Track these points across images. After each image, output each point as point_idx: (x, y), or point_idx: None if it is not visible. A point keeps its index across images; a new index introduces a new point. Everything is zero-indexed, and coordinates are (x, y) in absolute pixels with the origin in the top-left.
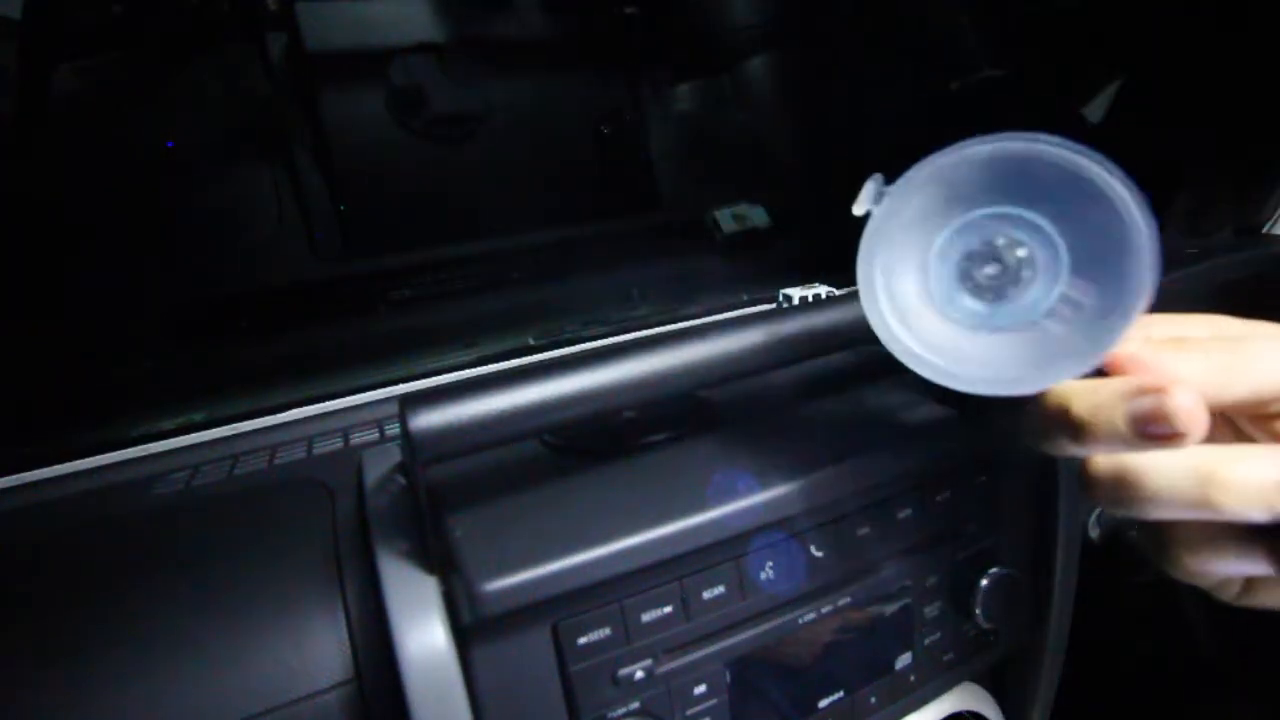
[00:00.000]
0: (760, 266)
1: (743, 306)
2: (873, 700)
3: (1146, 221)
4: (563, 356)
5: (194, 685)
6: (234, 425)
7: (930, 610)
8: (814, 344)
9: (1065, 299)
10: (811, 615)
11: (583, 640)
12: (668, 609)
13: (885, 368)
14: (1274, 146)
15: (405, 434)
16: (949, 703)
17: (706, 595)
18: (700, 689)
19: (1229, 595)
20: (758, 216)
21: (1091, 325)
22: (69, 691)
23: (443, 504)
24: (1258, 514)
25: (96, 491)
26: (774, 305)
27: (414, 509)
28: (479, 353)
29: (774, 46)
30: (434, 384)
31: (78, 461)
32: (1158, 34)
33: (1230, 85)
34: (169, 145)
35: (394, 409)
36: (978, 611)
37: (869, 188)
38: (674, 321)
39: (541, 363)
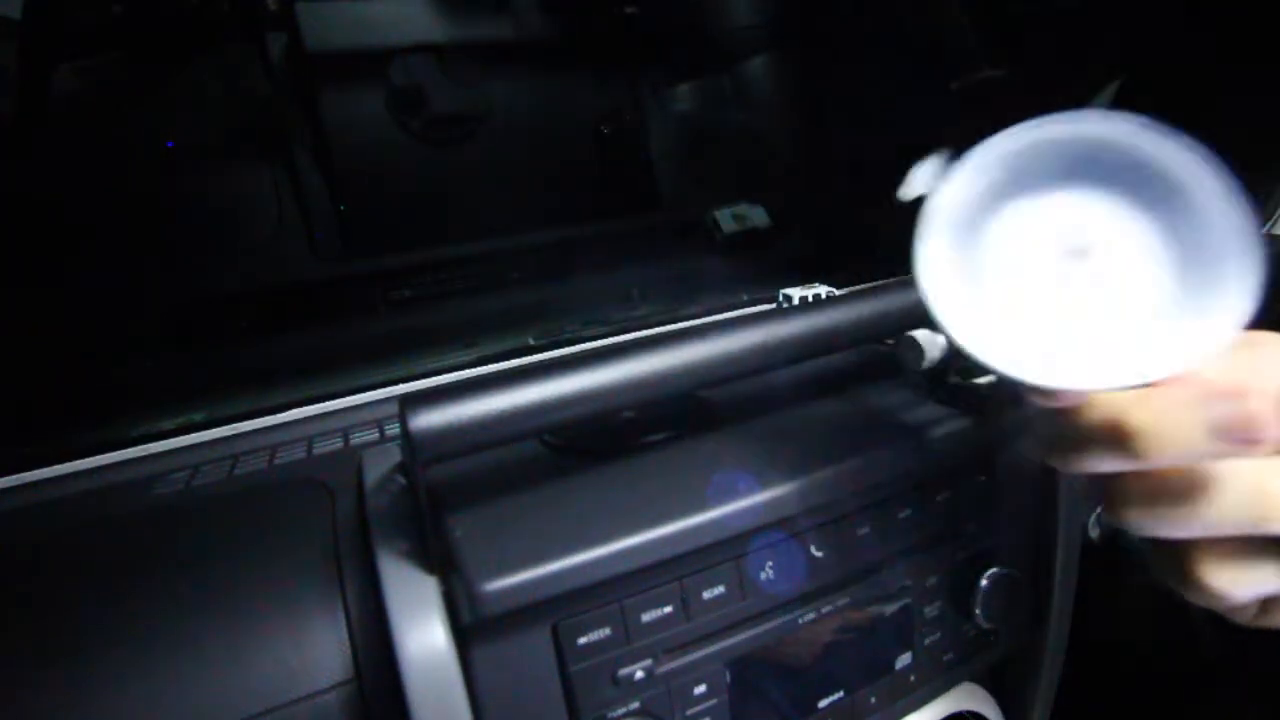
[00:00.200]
0: (760, 266)
1: (743, 306)
2: (873, 700)
3: (1251, 221)
4: (563, 356)
5: (194, 685)
6: (234, 425)
7: (930, 610)
8: (814, 344)
9: (1149, 296)
10: (811, 615)
11: (583, 640)
12: (668, 609)
13: (885, 368)
14: (1274, 146)
15: (405, 434)
16: (949, 703)
17: (706, 595)
18: (700, 689)
19: (1245, 617)
20: (758, 216)
21: (1177, 326)
22: (69, 691)
23: (443, 504)
24: None
25: (96, 491)
26: (774, 305)
27: (414, 509)
28: (479, 353)
29: (774, 46)
30: (434, 384)
31: (78, 461)
32: (1158, 34)
33: (1230, 85)
34: (169, 145)
35: (394, 409)
36: (978, 611)
37: (928, 167)
38: (674, 321)
39: (541, 363)
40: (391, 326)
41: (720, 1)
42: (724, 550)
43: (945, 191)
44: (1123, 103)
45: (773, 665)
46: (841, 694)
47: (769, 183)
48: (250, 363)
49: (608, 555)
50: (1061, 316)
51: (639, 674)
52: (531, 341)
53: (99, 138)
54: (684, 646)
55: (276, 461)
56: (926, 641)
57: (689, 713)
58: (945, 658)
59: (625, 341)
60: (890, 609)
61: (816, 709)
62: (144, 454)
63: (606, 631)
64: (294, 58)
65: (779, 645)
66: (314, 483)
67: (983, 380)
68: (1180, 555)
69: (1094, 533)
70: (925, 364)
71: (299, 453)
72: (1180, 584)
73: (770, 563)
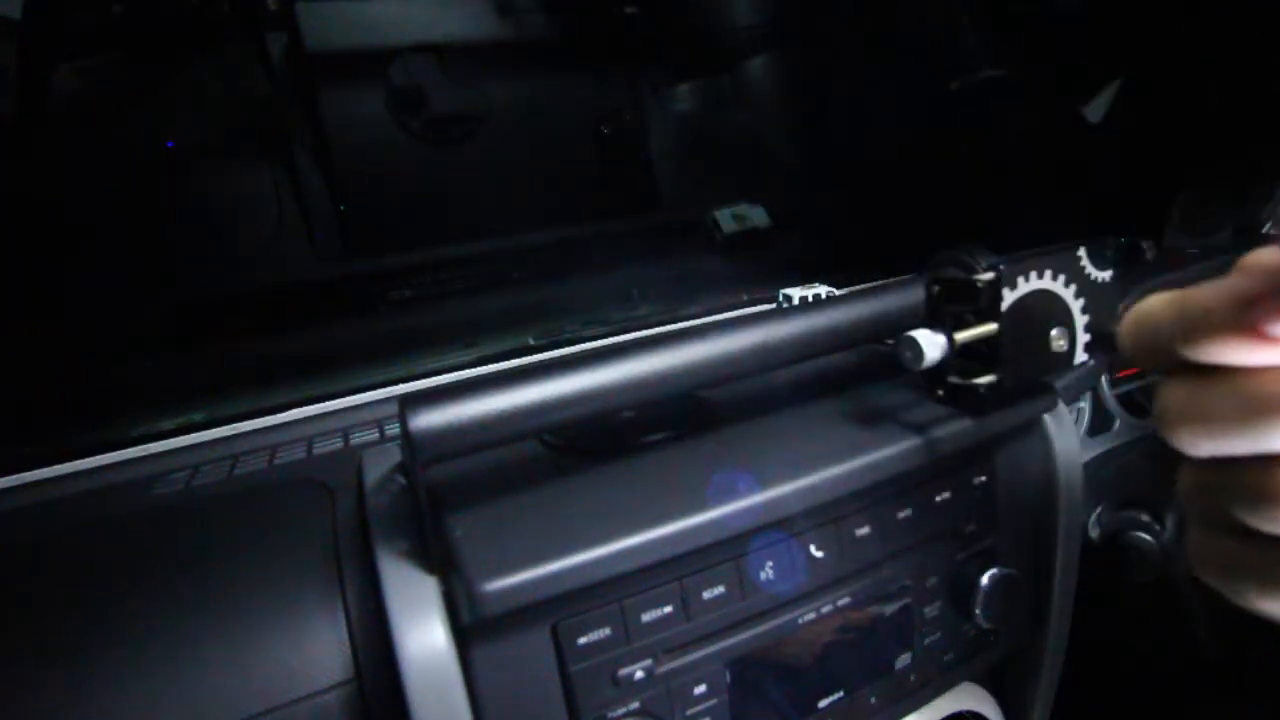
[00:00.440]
0: (760, 266)
1: (743, 306)
2: (872, 700)
3: None
4: (563, 356)
5: (194, 685)
6: (234, 425)
7: (930, 610)
8: (814, 344)
9: None
10: (811, 615)
11: (583, 640)
12: (668, 609)
13: (885, 368)
14: (1274, 146)
15: (405, 434)
16: (949, 703)
17: (706, 595)
18: (700, 689)
19: None
20: (758, 216)
21: None
22: (69, 691)
23: (443, 504)
24: None
25: (96, 491)
26: (774, 305)
27: (414, 509)
28: (479, 353)
29: (774, 46)
30: (434, 384)
31: (78, 461)
32: (1158, 34)
33: (1230, 85)
34: (169, 145)
35: (394, 409)
36: (978, 611)
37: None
38: (674, 321)
39: (541, 363)
40: (391, 326)
41: (720, 1)
42: (724, 550)
43: None
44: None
45: (773, 665)
46: (841, 694)
47: (769, 183)
48: (250, 363)
49: (608, 555)
50: None
51: (639, 674)
52: (531, 341)
53: (99, 138)
54: (684, 646)
55: (276, 461)
56: (926, 641)
57: (689, 713)
58: (945, 658)
59: (625, 341)
60: (890, 609)
61: (816, 709)
62: (144, 454)
63: (606, 631)
64: (294, 58)
65: (779, 645)
66: (314, 483)
67: (983, 380)
68: (1258, 557)
69: (1094, 533)
70: (925, 364)
71: (299, 453)
72: (1243, 589)
73: (770, 563)
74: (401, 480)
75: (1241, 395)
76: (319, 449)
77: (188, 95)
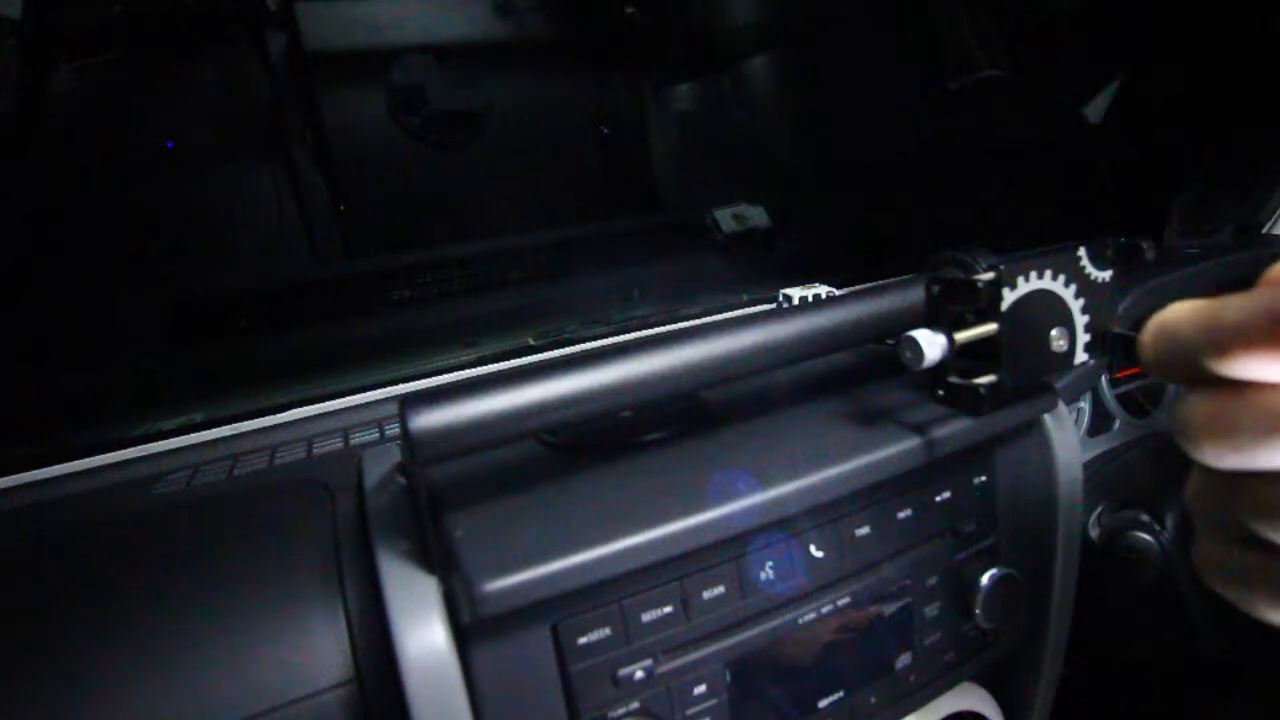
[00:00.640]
0: (760, 266)
1: (743, 306)
2: (872, 700)
3: None
4: (563, 356)
5: (194, 685)
6: (234, 425)
7: (930, 610)
8: (814, 344)
9: None
10: (811, 615)
11: (583, 640)
12: (668, 609)
13: (885, 367)
14: (1274, 146)
15: (405, 434)
16: (949, 703)
17: (706, 595)
18: (700, 689)
19: None
20: (758, 216)
21: None
22: (69, 691)
23: (443, 504)
24: None
25: (96, 491)
26: (774, 305)
27: (414, 509)
28: (479, 353)
29: (774, 46)
30: (434, 384)
31: (78, 461)
32: (1158, 34)
33: (1230, 85)
34: (169, 145)
35: (394, 409)
36: (978, 611)
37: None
38: (674, 321)
39: (541, 363)
40: (391, 326)
41: (720, 1)
42: (724, 550)
43: None
44: (1123, 103)
45: (773, 665)
46: (841, 694)
47: (769, 183)
48: (250, 363)
49: (608, 555)
50: None
51: (639, 674)
52: (531, 341)
53: (99, 138)
54: (684, 646)
55: (276, 461)
56: (926, 641)
57: (689, 713)
58: (945, 658)
59: (625, 341)
60: (890, 609)
61: (816, 709)
62: (144, 454)
63: (606, 631)
64: (294, 58)
65: (779, 645)
66: (314, 483)
67: (982, 380)
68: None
69: (1094, 533)
70: (925, 364)
71: (299, 453)
72: (1260, 602)
73: (770, 563)
74: (401, 480)
75: (1272, 411)
76: (319, 449)
77: (188, 95)
